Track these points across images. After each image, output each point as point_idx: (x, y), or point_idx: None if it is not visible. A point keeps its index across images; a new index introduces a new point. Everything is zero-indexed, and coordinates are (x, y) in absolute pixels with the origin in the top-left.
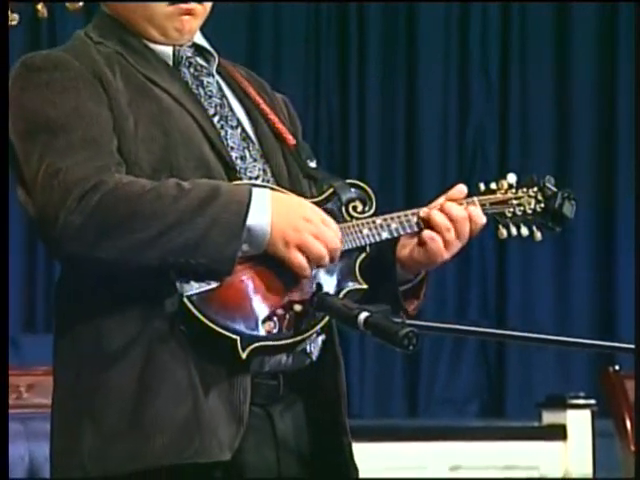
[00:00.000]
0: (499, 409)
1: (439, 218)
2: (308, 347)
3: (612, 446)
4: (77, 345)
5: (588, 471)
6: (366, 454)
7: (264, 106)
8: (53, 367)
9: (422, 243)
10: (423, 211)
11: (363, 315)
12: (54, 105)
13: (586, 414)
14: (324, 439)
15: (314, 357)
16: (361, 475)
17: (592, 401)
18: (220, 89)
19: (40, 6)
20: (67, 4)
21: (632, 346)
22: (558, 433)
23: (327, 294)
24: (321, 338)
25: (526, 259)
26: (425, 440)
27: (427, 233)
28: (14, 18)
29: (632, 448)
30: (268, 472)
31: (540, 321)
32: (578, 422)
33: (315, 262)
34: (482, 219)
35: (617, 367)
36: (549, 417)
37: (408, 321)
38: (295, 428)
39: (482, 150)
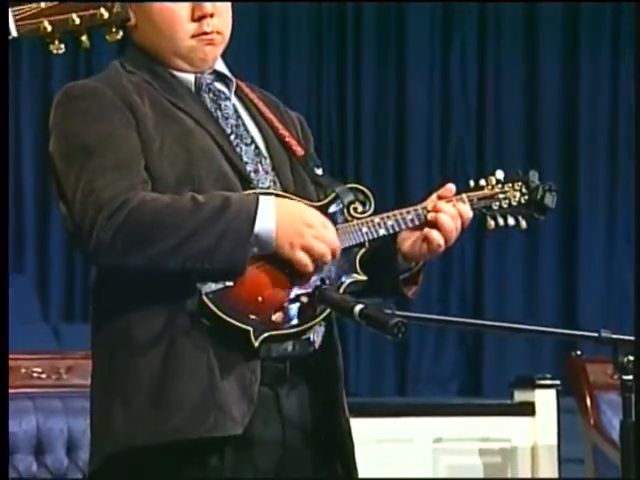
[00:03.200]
0: (476, 388)
1: (446, 220)
2: (311, 336)
3: (575, 421)
4: (110, 336)
5: (553, 442)
6: (360, 428)
7: (276, 123)
8: (92, 355)
9: (425, 239)
10: (418, 210)
11: (358, 307)
12: (90, 130)
13: (552, 393)
14: (324, 416)
15: (316, 345)
16: (356, 446)
17: (557, 382)
18: (236, 111)
19: (84, 38)
20: (107, 36)
21: (595, 334)
22: (527, 409)
23: (327, 289)
24: (322, 328)
25: (499, 262)
26: (412, 416)
27: (435, 234)
28: (60, 47)
29: (591, 422)
30: (275, 444)
31: (512, 312)
32: (545, 400)
33: (319, 260)
34: (469, 214)
35: (579, 352)
36: (520, 395)
37: (397, 312)
38: (299, 406)
39: (462, 162)
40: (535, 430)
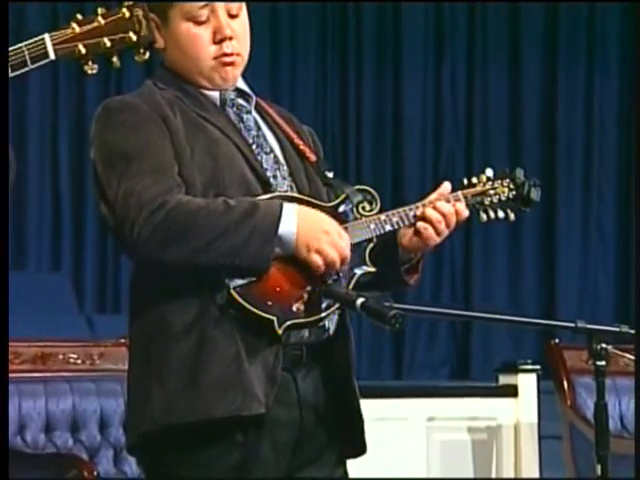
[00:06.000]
0: (465, 373)
1: (431, 213)
2: (326, 324)
3: (553, 401)
4: (147, 325)
5: (534, 421)
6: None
7: (291, 133)
8: (129, 341)
9: (417, 232)
10: (419, 208)
11: (360, 300)
12: (129, 139)
13: (533, 377)
14: (337, 397)
15: (331, 332)
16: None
17: (538, 366)
18: (256, 123)
19: (115, 58)
20: (136, 57)
21: (572, 324)
22: (511, 391)
23: (332, 285)
24: (336, 316)
25: (486, 259)
26: (407, 397)
27: (421, 224)
28: (94, 67)
29: (568, 403)
30: (292, 423)
31: (498, 305)
32: (527, 383)
33: (329, 265)
34: (465, 213)
35: (557, 340)
36: (504, 379)
37: (395, 305)
38: (314, 388)
39: (452, 168)
40: (518, 410)
